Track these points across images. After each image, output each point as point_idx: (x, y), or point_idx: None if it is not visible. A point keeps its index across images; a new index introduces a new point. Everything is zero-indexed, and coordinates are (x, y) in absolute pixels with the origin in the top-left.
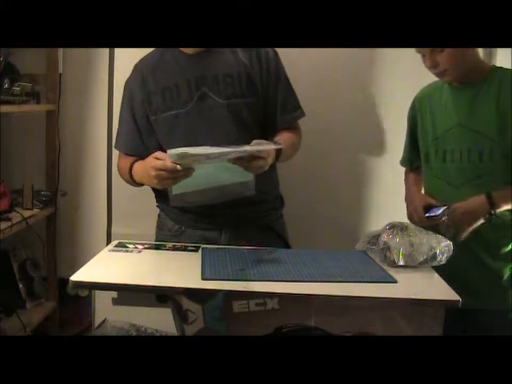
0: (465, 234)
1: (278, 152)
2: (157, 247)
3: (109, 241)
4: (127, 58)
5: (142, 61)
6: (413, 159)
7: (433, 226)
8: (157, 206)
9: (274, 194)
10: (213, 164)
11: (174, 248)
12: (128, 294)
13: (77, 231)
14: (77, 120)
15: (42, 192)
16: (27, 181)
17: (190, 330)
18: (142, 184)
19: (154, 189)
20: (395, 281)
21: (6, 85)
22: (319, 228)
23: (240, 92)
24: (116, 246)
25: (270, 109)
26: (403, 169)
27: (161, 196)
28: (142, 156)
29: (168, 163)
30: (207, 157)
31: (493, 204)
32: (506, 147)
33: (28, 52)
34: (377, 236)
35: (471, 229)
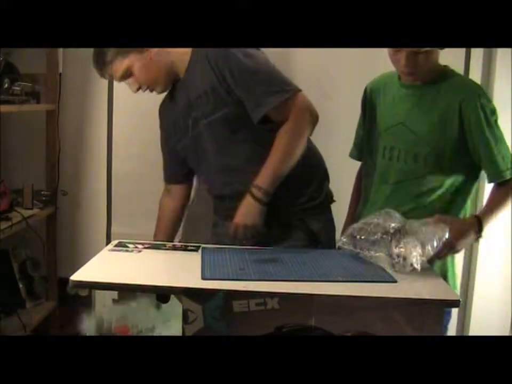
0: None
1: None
2: (157, 247)
3: (108, 241)
4: None
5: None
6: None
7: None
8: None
9: (312, 191)
10: None
11: (174, 248)
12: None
13: (77, 231)
14: (77, 120)
15: (42, 192)
16: (27, 181)
17: (190, 330)
18: None
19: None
20: (395, 281)
21: (6, 85)
22: None
23: (212, 107)
24: (116, 245)
25: (246, 109)
26: None
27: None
28: (183, 183)
29: None
30: None
31: (481, 229)
32: (441, 154)
33: (28, 51)
34: (375, 239)
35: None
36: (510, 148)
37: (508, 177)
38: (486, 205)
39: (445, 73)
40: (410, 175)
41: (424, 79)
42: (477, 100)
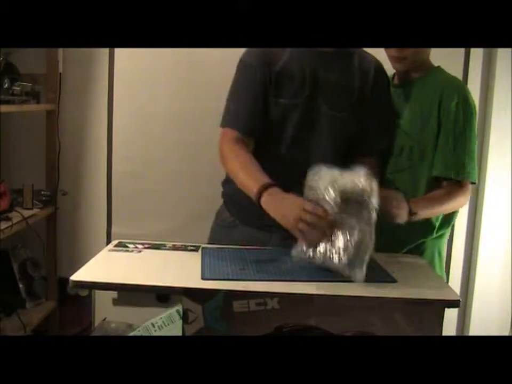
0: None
1: None
2: (157, 247)
3: (109, 241)
4: (127, 58)
5: None
6: None
7: None
8: (222, 196)
9: None
10: None
11: (174, 248)
12: (129, 294)
13: (77, 231)
14: (77, 120)
15: (42, 192)
16: (27, 181)
17: (190, 330)
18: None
19: (227, 177)
20: (395, 281)
21: (6, 85)
22: None
23: (347, 105)
24: (116, 245)
25: (360, 131)
26: None
27: (228, 183)
28: (255, 136)
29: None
30: None
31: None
32: (423, 147)
33: (28, 52)
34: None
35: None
36: (473, 158)
37: (451, 176)
38: (424, 196)
39: (435, 71)
40: (396, 167)
41: (414, 69)
42: (455, 96)
